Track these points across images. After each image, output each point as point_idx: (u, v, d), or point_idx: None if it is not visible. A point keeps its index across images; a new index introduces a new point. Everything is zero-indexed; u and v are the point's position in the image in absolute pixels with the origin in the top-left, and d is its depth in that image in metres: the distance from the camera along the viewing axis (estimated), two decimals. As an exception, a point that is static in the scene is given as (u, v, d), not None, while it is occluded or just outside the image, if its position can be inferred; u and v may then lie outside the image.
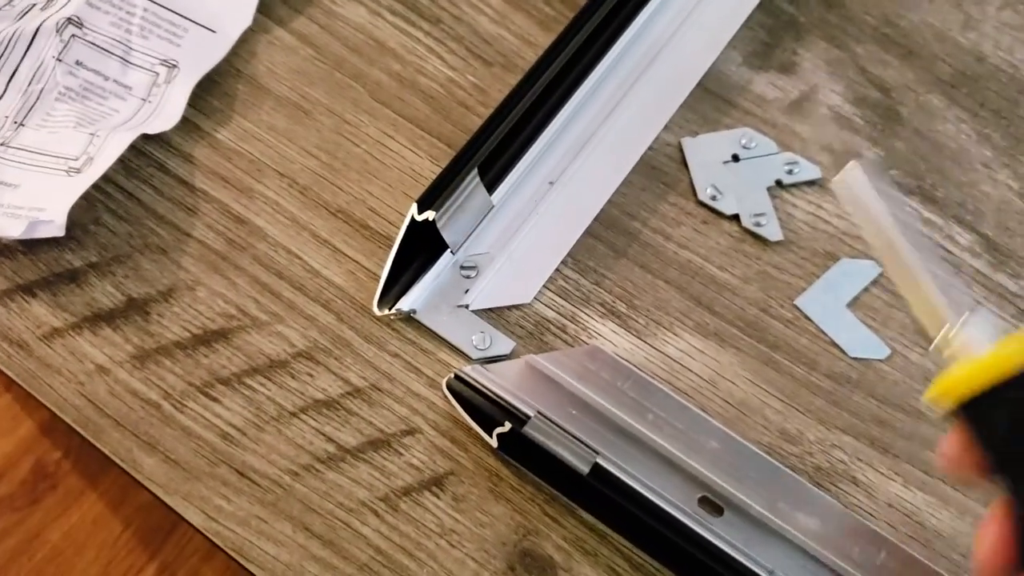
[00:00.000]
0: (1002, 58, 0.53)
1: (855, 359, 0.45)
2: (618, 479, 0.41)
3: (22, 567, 0.80)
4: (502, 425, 0.41)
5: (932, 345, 0.33)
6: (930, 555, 0.42)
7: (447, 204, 0.43)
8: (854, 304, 0.47)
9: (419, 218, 0.43)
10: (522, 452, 0.41)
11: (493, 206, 0.46)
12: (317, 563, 0.40)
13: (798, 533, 0.41)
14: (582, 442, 0.41)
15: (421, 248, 0.45)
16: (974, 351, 0.31)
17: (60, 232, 0.43)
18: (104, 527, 0.77)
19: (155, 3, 0.49)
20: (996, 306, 0.47)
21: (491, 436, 0.41)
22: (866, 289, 0.47)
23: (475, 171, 0.44)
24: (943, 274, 0.34)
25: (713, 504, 0.41)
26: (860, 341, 0.46)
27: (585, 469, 0.40)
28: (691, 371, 0.45)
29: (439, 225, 0.43)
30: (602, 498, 0.40)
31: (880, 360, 0.46)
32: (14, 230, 0.43)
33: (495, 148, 0.45)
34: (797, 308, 0.46)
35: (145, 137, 0.46)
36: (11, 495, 0.78)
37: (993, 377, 0.30)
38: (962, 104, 0.52)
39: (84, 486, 0.78)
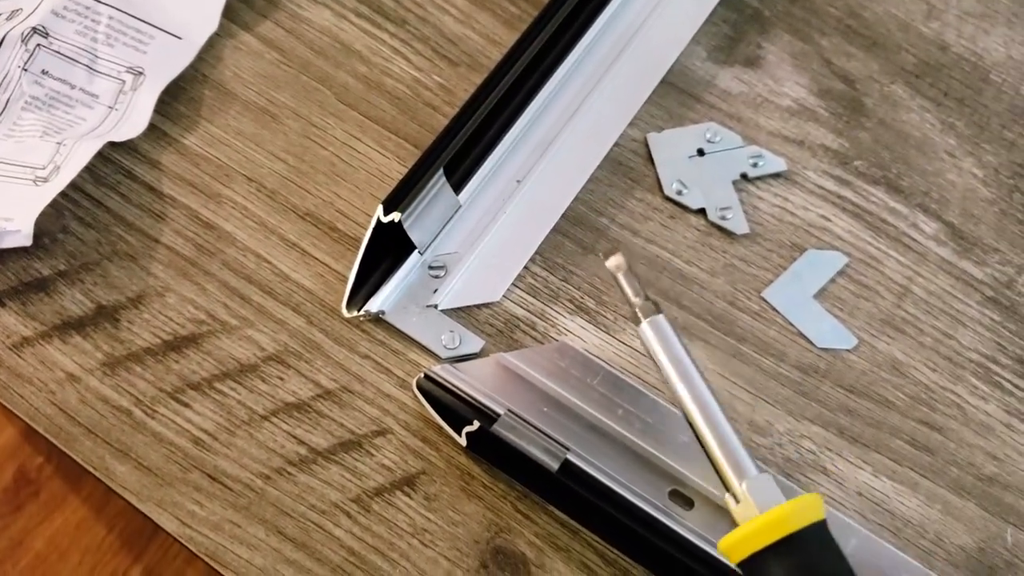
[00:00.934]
0: (964, 47, 0.53)
1: (823, 349, 0.46)
2: (588, 475, 0.41)
3: (7, 574, 0.80)
4: (471, 424, 0.41)
5: (725, 496, 0.38)
6: (900, 543, 0.42)
7: (413, 205, 0.44)
8: (821, 295, 0.47)
9: (385, 220, 0.43)
10: (492, 450, 0.42)
11: (460, 205, 0.46)
12: (291, 566, 0.40)
13: (768, 524, 0.41)
14: (552, 439, 0.41)
15: (389, 249, 0.45)
16: (756, 511, 0.37)
17: (27, 242, 0.43)
18: (87, 531, 0.77)
19: (120, 11, 0.49)
20: (963, 294, 0.48)
21: (460, 435, 0.41)
22: (832, 280, 0.47)
23: (441, 171, 0.44)
24: (736, 435, 0.39)
25: (684, 497, 0.42)
26: (827, 332, 0.46)
27: (555, 466, 0.41)
28: (660, 365, 0.45)
29: (406, 226, 0.44)
30: (572, 494, 0.41)
31: (847, 350, 0.46)
32: (-19, 241, 0.43)
33: (461, 148, 0.46)
34: (764, 300, 0.47)
35: (112, 144, 0.46)
36: (-6, 503, 0.76)
37: (766, 540, 0.36)
38: (926, 94, 0.52)
39: (66, 491, 0.78)
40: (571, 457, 0.41)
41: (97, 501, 0.81)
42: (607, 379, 0.44)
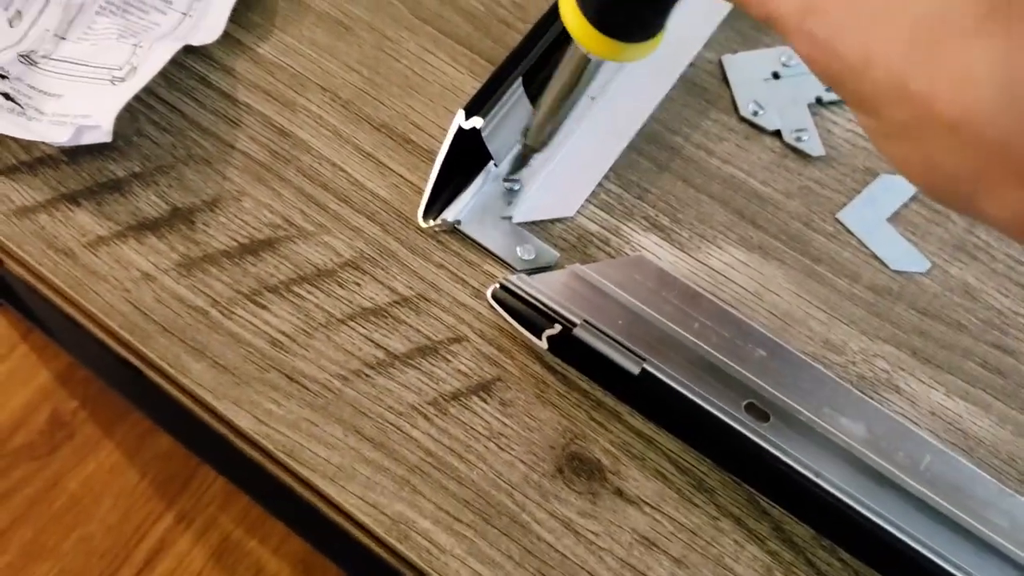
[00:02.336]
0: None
1: (896, 272, 0.46)
2: (666, 384, 0.41)
3: (42, 515, 0.80)
4: (552, 328, 0.41)
5: None
6: (973, 462, 0.42)
7: (492, 113, 0.43)
8: (894, 219, 0.47)
9: (466, 125, 0.43)
10: (573, 353, 0.41)
11: (536, 119, 0.46)
12: (368, 465, 0.40)
13: (844, 437, 0.41)
14: (629, 349, 0.41)
15: (465, 160, 0.45)
16: None
17: (107, 138, 0.43)
18: (121, 476, 0.77)
19: (193, -80, 0.49)
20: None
21: (541, 339, 0.41)
22: (906, 205, 0.47)
23: (519, 82, 0.44)
24: None
25: (759, 411, 0.42)
26: (901, 254, 0.46)
27: (636, 370, 0.40)
28: (735, 283, 0.45)
29: (484, 134, 0.43)
30: (654, 397, 0.41)
31: (921, 273, 0.46)
32: (61, 136, 0.43)
33: (537, 61, 0.45)
34: (839, 222, 0.46)
35: (187, 51, 0.46)
36: (30, 444, 0.77)
37: None
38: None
39: (100, 435, 0.78)
40: (648, 367, 0.41)
41: (131, 446, 0.81)
42: (683, 293, 0.43)
